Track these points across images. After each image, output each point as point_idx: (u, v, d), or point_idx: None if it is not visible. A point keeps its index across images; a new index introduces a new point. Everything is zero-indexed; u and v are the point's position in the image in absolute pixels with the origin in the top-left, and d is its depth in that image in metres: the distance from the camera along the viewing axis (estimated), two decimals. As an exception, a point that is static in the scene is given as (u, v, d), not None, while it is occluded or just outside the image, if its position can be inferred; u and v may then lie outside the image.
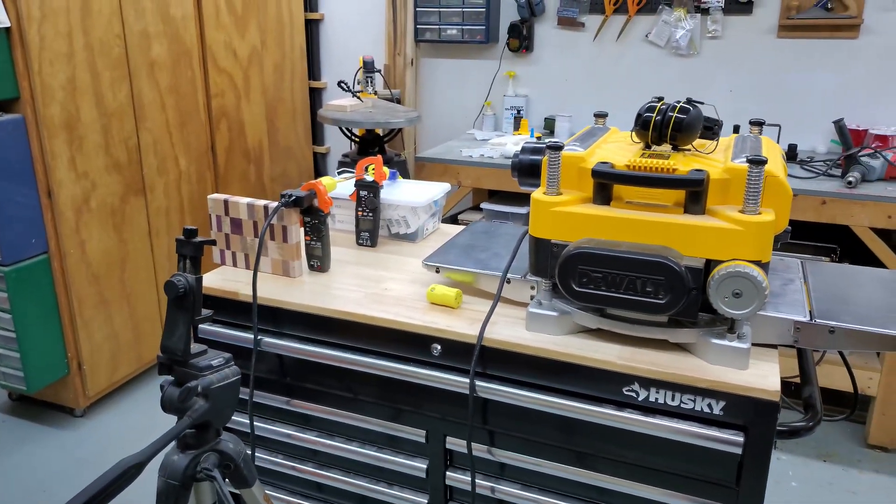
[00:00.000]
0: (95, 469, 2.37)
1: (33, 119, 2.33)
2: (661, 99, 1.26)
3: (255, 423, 1.52)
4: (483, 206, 3.00)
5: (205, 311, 0.89)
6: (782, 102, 3.00)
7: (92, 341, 2.65)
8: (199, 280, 0.86)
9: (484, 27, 3.24)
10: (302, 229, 1.52)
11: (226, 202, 1.53)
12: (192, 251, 0.85)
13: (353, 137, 3.13)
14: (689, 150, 1.26)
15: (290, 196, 1.44)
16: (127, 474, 0.73)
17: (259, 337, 1.42)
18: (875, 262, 2.39)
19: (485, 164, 2.80)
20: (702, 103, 1.28)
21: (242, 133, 3.29)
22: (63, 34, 2.37)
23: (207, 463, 0.89)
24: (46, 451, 2.52)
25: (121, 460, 0.75)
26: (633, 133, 1.27)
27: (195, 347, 0.90)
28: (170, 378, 0.90)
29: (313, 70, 3.79)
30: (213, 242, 0.87)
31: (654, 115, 1.21)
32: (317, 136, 3.94)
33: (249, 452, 1.49)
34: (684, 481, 1.17)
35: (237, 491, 1.02)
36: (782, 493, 2.29)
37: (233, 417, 1.53)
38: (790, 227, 1.23)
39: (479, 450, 1.31)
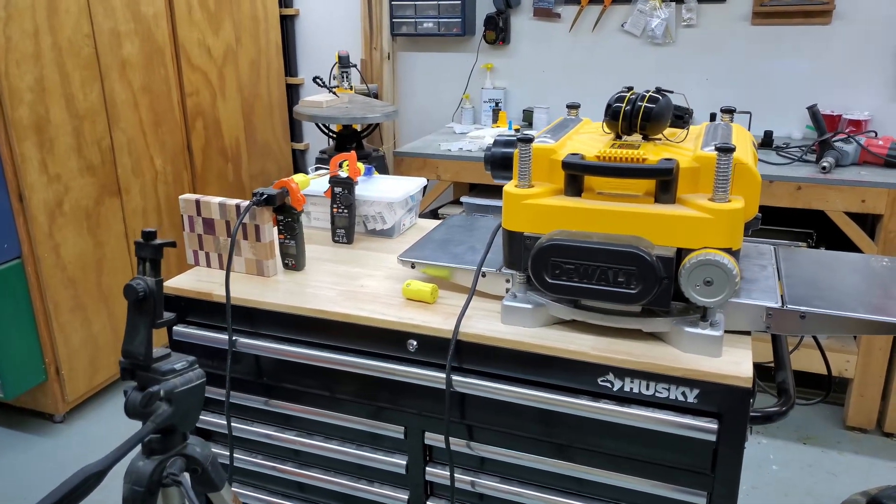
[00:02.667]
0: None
1: (1, 122, 2.29)
2: (630, 88, 1.26)
3: (234, 424, 1.51)
4: (463, 199, 2.99)
5: (166, 315, 0.88)
6: (758, 89, 3.01)
7: (69, 346, 2.62)
8: (160, 283, 0.85)
9: (460, 20, 3.23)
10: (275, 228, 1.51)
11: (197, 202, 1.51)
12: (151, 253, 0.84)
13: (330, 133, 3.11)
14: (659, 139, 1.26)
15: (262, 194, 1.43)
16: (87, 483, 0.72)
17: (234, 338, 1.41)
18: (850, 246, 2.41)
19: (463, 157, 2.80)
20: (671, 92, 1.28)
21: (219, 131, 3.26)
22: (29, 34, 2.33)
23: (174, 468, 0.88)
24: (26, 457, 2.49)
25: (81, 468, 0.73)
26: (604, 123, 1.27)
27: (158, 351, 0.89)
28: (134, 383, 0.88)
29: (290, 66, 3.75)
30: (173, 244, 0.86)
31: (624, 105, 1.21)
32: (295, 132, 3.91)
33: (228, 453, 1.48)
34: (661, 469, 1.18)
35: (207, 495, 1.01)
36: (763, 476, 2.32)
37: (211, 419, 1.53)
38: (760, 214, 1.24)
39: (458, 444, 1.31)
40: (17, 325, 2.46)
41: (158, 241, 0.84)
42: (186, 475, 0.91)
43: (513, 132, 2.95)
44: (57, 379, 2.61)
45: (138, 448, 0.88)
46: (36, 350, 2.53)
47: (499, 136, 1.36)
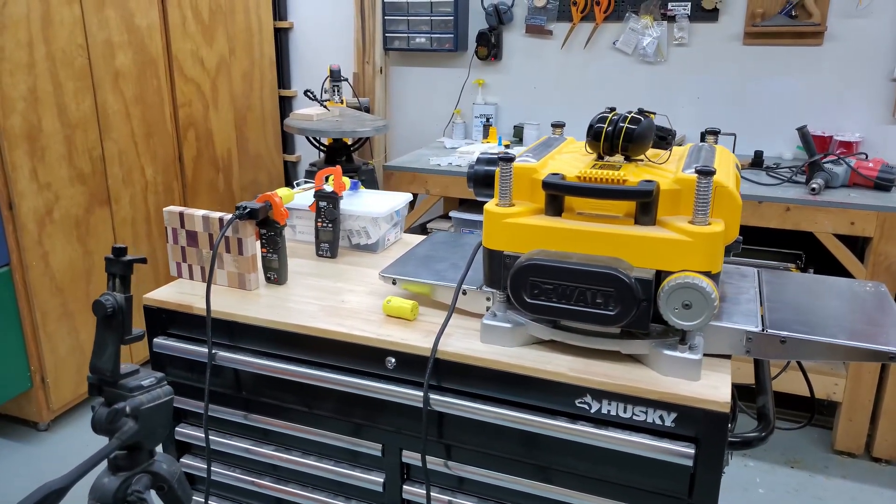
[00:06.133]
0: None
1: (-8, 130, 2.29)
2: (613, 109, 1.26)
3: (213, 437, 1.49)
4: (452, 214, 2.99)
5: (135, 331, 0.87)
6: (749, 109, 3.03)
7: (56, 354, 2.61)
8: (129, 299, 0.84)
9: (452, 35, 3.24)
10: (258, 241, 1.51)
11: (181, 214, 1.51)
12: (121, 270, 0.83)
13: (320, 147, 3.11)
14: (641, 160, 1.26)
15: (245, 208, 1.42)
16: (48, 499, 0.71)
17: (214, 351, 1.40)
18: (839, 268, 2.41)
19: (452, 172, 2.80)
20: (654, 113, 1.28)
21: (210, 142, 3.26)
22: (23, 44, 2.34)
23: (139, 485, 0.87)
24: (10, 466, 2.47)
25: (43, 484, 0.72)
26: (586, 144, 1.26)
27: (127, 367, 0.88)
28: (101, 399, 0.88)
29: (283, 79, 3.76)
30: (144, 261, 0.85)
31: (606, 125, 1.21)
32: (287, 144, 3.91)
33: (204, 465, 1.46)
34: (637, 493, 1.17)
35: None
36: (749, 499, 2.30)
37: (190, 432, 1.51)
38: (741, 237, 1.24)
39: (436, 463, 1.30)
40: (3, 332, 2.44)
41: (128, 257, 0.83)
42: (152, 492, 0.90)
43: (492, 151, 2.96)
44: (42, 387, 2.59)
45: (104, 464, 0.87)
46: (22, 358, 2.52)
47: (482, 153, 1.36)
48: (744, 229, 2.49)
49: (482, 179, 1.33)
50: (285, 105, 3.83)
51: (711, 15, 2.96)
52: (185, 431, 1.52)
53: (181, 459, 1.56)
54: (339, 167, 1.66)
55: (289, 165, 3.95)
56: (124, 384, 0.86)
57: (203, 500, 1.55)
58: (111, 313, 0.83)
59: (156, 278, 2.99)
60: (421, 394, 1.23)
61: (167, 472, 0.91)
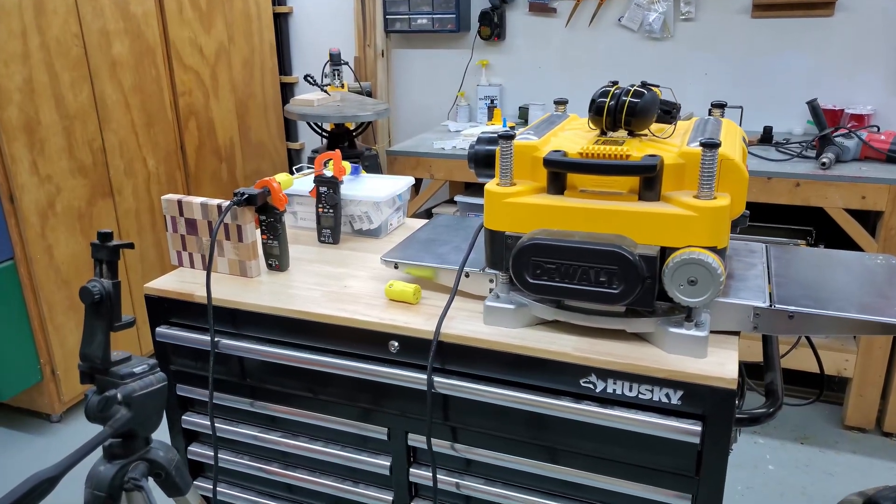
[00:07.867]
0: (73, 474, 2.37)
1: (-8, 122, 2.28)
2: (615, 83, 1.23)
3: (221, 425, 1.49)
4: (457, 198, 2.97)
5: (125, 318, 0.86)
6: (758, 83, 2.98)
7: (65, 346, 2.61)
8: (117, 285, 0.83)
9: (454, 15, 3.20)
10: (258, 228, 1.49)
11: (179, 202, 1.49)
12: (107, 255, 0.82)
13: (322, 132, 3.08)
14: (645, 135, 1.23)
15: (243, 194, 1.41)
16: (38, 489, 0.70)
17: (217, 339, 1.39)
18: (850, 243, 2.38)
19: (456, 155, 2.77)
20: (657, 86, 1.25)
21: (212, 131, 3.24)
22: (17, 34, 2.32)
23: (136, 472, 0.86)
24: (24, 457, 2.48)
25: (33, 474, 0.72)
26: (589, 120, 1.24)
27: (117, 354, 0.87)
28: (94, 387, 0.87)
29: (284, 65, 3.73)
30: (131, 245, 0.84)
31: (608, 99, 1.19)
32: (290, 132, 3.89)
33: (212, 453, 1.46)
34: (644, 472, 1.15)
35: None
36: (759, 476, 2.28)
37: (197, 420, 1.51)
38: (748, 212, 1.21)
39: (442, 446, 1.29)
40: (10, 326, 2.45)
41: (115, 242, 0.82)
42: (149, 480, 0.89)
43: (507, 129, 2.93)
44: (53, 379, 2.60)
45: (100, 453, 0.86)
46: (31, 350, 2.52)
47: (483, 133, 1.34)
48: (753, 206, 2.47)
49: (483, 159, 1.31)
50: (287, 92, 3.80)
51: (718, -12, 2.91)
52: (192, 420, 1.52)
53: (189, 448, 1.56)
54: (338, 151, 1.64)
55: (292, 153, 3.93)
56: (115, 371, 0.85)
57: (211, 488, 1.55)
58: (98, 300, 0.81)
59: (162, 269, 2.99)
60: (425, 377, 1.22)
61: (164, 460, 0.90)
